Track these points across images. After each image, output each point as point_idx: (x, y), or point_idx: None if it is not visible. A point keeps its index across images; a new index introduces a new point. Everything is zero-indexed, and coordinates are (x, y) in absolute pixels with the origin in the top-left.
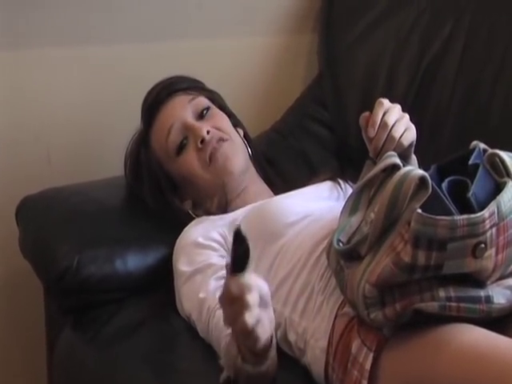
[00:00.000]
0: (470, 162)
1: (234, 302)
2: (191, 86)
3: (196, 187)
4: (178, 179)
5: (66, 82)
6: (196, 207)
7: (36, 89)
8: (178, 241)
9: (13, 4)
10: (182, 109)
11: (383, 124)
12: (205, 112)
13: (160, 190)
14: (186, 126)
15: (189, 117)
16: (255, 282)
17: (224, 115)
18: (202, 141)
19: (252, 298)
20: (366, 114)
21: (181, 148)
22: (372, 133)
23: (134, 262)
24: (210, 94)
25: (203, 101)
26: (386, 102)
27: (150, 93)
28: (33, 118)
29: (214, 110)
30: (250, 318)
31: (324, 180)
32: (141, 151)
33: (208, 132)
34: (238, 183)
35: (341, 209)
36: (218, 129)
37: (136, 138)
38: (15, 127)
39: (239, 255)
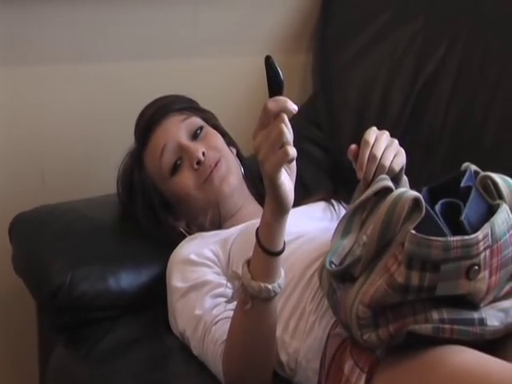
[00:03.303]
0: (462, 184)
1: (271, 130)
2: (185, 106)
3: (190, 207)
4: (171, 199)
5: (59, 99)
6: (189, 226)
7: (30, 106)
8: (171, 258)
9: (9, 21)
10: (176, 129)
11: (372, 157)
12: (198, 132)
13: (153, 209)
14: (180, 146)
15: (182, 137)
16: None
17: (217, 133)
18: (198, 162)
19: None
20: (353, 147)
21: (175, 169)
22: (360, 175)
23: (127, 279)
24: (204, 113)
25: (196, 120)
26: (372, 135)
27: (143, 113)
28: (26, 134)
29: (208, 129)
30: (289, 134)
31: (317, 200)
32: (134, 171)
33: (203, 154)
34: (231, 203)
35: (333, 228)
36: (212, 148)
37: (129, 157)
38: (9, 144)
39: (273, 80)
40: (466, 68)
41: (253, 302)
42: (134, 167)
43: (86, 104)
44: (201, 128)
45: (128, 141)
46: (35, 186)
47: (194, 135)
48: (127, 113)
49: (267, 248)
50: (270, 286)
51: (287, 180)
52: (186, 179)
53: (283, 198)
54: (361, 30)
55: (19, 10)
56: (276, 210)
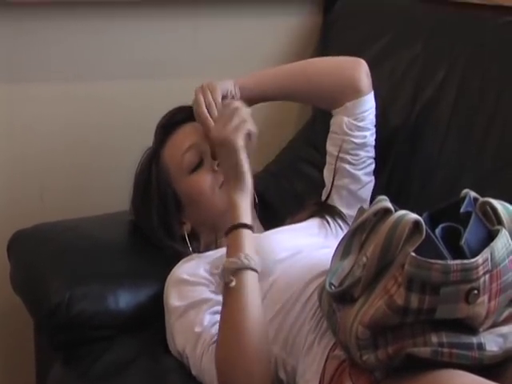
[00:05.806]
0: (462, 209)
1: (229, 116)
2: None
3: (199, 209)
4: (183, 198)
5: (59, 117)
6: (194, 231)
7: (28, 124)
8: (168, 278)
9: (8, 39)
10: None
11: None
12: None
13: (166, 206)
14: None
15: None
16: None
17: None
18: (219, 164)
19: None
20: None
21: (196, 167)
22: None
23: (125, 299)
24: None
25: None
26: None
27: (168, 113)
28: (26, 153)
29: None
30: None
31: (310, 215)
32: (152, 165)
33: None
34: None
35: (329, 245)
36: None
37: (148, 154)
38: (7, 162)
39: None
40: (465, 93)
41: (236, 278)
42: (152, 162)
43: (85, 123)
44: None
45: (127, 159)
46: (34, 204)
47: None
48: (126, 132)
49: (238, 223)
50: (249, 254)
51: (245, 157)
52: (205, 178)
53: (242, 167)
54: (360, 53)
55: (17, 29)
56: (237, 186)
